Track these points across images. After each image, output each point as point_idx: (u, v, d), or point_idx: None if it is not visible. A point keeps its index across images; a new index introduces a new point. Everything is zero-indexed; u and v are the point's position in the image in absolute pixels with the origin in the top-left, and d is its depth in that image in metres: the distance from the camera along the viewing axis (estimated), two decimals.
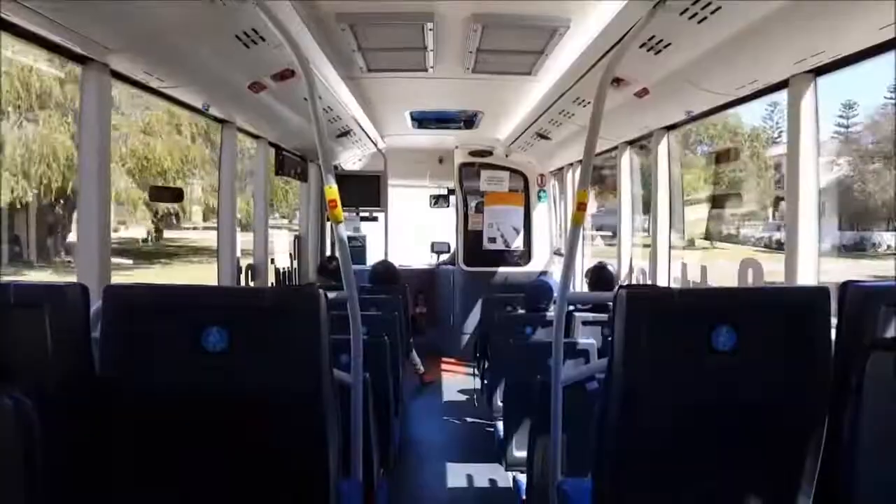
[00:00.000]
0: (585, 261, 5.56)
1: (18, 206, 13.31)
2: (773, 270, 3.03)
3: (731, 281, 3.59)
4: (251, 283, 4.22)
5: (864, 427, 1.15)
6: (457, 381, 6.37)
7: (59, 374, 1.56)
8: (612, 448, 1.76)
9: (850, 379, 1.18)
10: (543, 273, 6.80)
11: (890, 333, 1.62)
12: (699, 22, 2.23)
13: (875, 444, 1.14)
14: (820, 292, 1.70)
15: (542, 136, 5.17)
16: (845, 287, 1.75)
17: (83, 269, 2.45)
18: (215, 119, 3.64)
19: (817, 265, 2.51)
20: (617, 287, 2.46)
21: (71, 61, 2.33)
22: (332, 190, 2.36)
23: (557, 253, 6.89)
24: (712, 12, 2.15)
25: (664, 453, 1.73)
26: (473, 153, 6.92)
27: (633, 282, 4.40)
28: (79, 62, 2.35)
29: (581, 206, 2.43)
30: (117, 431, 1.65)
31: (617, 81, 3.04)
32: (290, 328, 1.66)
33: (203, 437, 1.69)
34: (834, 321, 1.74)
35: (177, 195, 4.34)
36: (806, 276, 2.49)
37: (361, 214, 6.70)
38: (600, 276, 4.34)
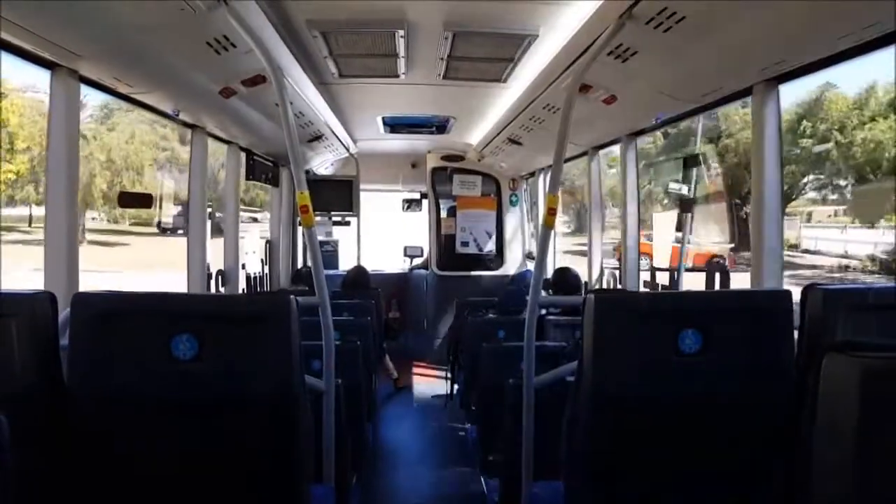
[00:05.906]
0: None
1: None
2: None
3: None
4: (221, 290, 4.18)
5: (819, 425, 1.19)
6: (430, 384, 6.38)
7: (28, 383, 1.55)
8: (581, 450, 1.78)
9: (809, 379, 1.23)
10: (521, 274, 6.82)
11: (849, 335, 1.68)
12: (665, 31, 2.28)
13: (829, 444, 1.18)
14: (783, 295, 1.76)
15: (514, 142, 5.20)
16: (807, 290, 1.81)
17: (51, 276, 2.41)
18: (185, 124, 3.61)
19: (781, 268, 2.58)
20: (586, 291, 2.49)
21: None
22: (304, 196, 2.36)
23: (530, 256, 6.93)
24: (677, 22, 2.20)
25: (633, 454, 1.76)
26: (446, 158, 6.92)
27: (604, 286, 4.46)
28: (47, 68, 2.32)
29: (551, 211, 2.47)
30: (86, 439, 1.63)
31: (585, 88, 3.08)
32: (261, 335, 1.66)
33: (173, 444, 1.68)
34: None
35: (145, 201, 4.28)
36: (770, 279, 2.56)
37: (334, 219, 6.66)
38: (564, 279, 4.38)
